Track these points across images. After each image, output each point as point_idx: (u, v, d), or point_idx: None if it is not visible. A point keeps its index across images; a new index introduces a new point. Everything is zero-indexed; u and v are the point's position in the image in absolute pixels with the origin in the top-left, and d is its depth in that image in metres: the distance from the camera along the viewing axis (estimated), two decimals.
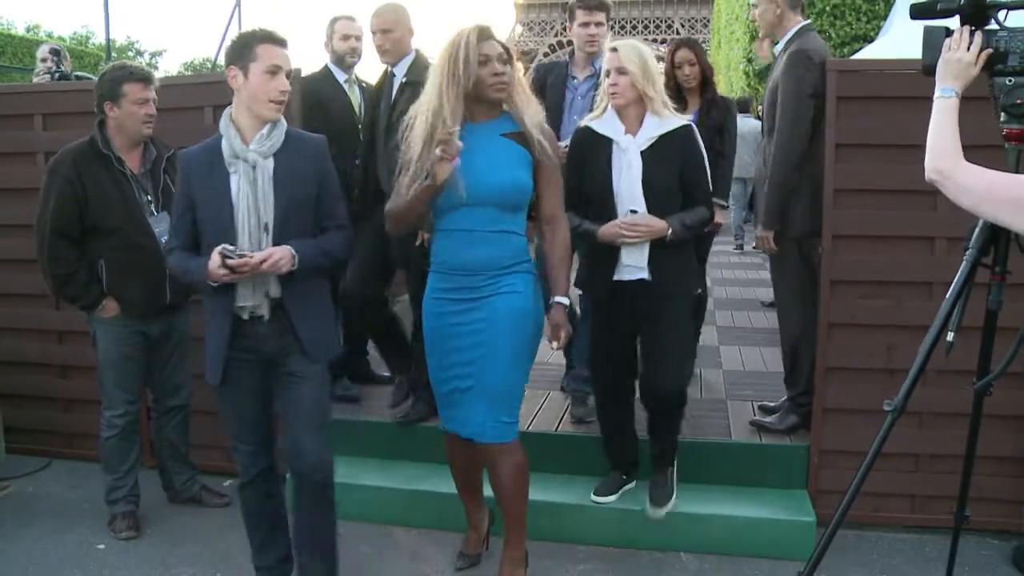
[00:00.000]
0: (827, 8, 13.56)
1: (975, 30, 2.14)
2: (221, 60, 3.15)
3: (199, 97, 3.96)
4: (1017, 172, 2.15)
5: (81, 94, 3.84)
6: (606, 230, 3.12)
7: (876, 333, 3.52)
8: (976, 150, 2.09)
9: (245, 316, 2.71)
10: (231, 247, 2.57)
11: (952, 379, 3.23)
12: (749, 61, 15.24)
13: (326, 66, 4.47)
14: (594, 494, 3.51)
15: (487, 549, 3.29)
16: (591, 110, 3.79)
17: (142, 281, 3.43)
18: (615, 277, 3.20)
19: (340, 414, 3.85)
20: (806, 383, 3.73)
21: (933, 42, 2.19)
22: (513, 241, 2.84)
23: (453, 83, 2.73)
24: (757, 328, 6.14)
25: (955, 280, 2.31)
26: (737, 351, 5.38)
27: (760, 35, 3.86)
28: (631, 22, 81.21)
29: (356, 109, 4.38)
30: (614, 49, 3.11)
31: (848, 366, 3.57)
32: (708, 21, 56.80)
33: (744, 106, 10.78)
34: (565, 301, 2.90)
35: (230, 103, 2.72)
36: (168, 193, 3.45)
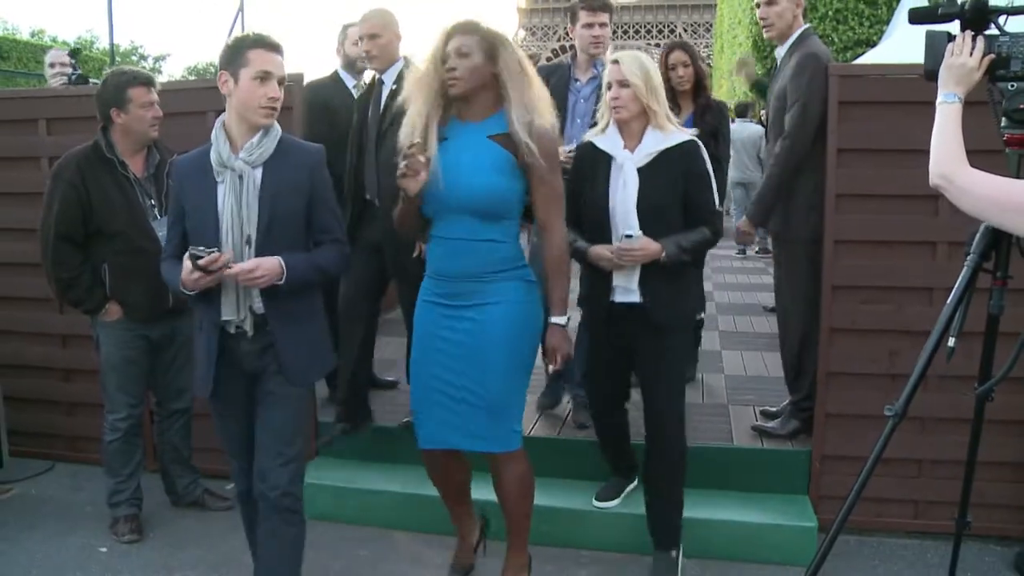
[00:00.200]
0: (830, 13, 13.60)
1: (976, 35, 2.15)
2: None
3: (202, 102, 3.97)
4: (1019, 177, 2.16)
5: (85, 99, 3.86)
6: (594, 252, 3.00)
7: (877, 338, 3.52)
8: (976, 155, 2.09)
9: (231, 330, 2.65)
10: (202, 248, 2.48)
11: (954, 384, 3.23)
12: None
13: (335, 71, 4.51)
14: (596, 499, 3.51)
15: (484, 554, 3.27)
16: (594, 113, 3.81)
17: (145, 285, 3.44)
18: (610, 298, 3.09)
19: None
20: (810, 387, 3.73)
21: (935, 47, 2.20)
22: (496, 251, 2.72)
23: (419, 87, 2.72)
24: (759, 333, 6.14)
25: (956, 285, 2.31)
26: (739, 356, 5.38)
27: (767, 35, 3.84)
28: (633, 26, 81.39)
29: None
30: (616, 61, 2.99)
31: (849, 371, 3.56)
32: (711, 26, 56.87)
33: (744, 111, 10.78)
34: (561, 321, 2.80)
35: None
36: None
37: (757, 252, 10.47)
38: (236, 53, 2.56)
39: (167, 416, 3.78)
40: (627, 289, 3.03)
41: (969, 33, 2.15)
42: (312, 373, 2.82)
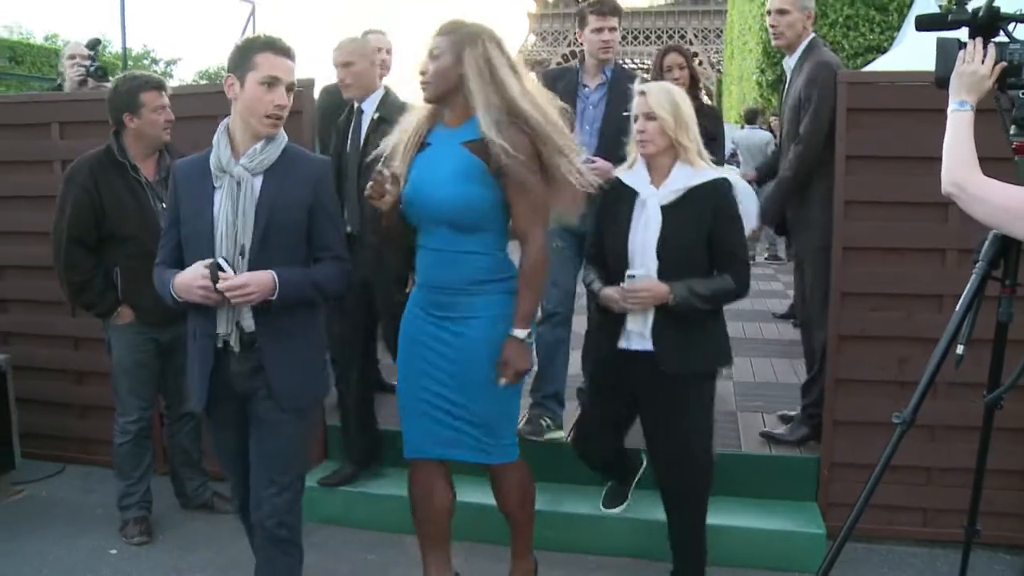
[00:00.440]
0: (840, 19, 13.59)
1: (987, 42, 2.15)
2: None
3: (214, 106, 3.97)
4: None
5: (97, 103, 3.89)
6: (604, 294, 2.84)
7: (887, 345, 3.51)
8: (985, 162, 2.09)
9: (219, 344, 2.52)
10: (226, 261, 2.39)
11: (962, 392, 3.22)
12: (762, 72, 15.25)
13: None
14: (603, 506, 3.50)
15: None
16: (602, 120, 3.77)
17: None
18: (620, 344, 2.89)
19: None
20: (819, 393, 3.73)
21: (947, 54, 2.19)
22: (477, 263, 2.62)
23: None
24: (768, 339, 6.13)
25: (965, 293, 2.31)
26: (748, 362, 5.37)
27: (775, 44, 3.86)
28: (644, 32, 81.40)
29: None
30: (643, 93, 2.82)
31: (858, 378, 3.56)
32: (721, 32, 56.84)
33: (753, 117, 10.77)
34: (520, 335, 2.62)
35: None
36: None
37: (766, 258, 10.45)
38: (244, 56, 2.45)
39: (177, 419, 3.80)
40: (640, 335, 2.84)
41: (979, 40, 2.15)
42: (304, 398, 2.62)
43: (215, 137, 2.52)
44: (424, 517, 2.85)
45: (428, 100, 2.64)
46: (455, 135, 2.62)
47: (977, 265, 2.31)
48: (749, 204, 2.86)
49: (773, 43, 3.89)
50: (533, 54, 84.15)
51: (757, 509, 3.58)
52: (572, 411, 4.20)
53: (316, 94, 4.27)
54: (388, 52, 4.55)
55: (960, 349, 2.28)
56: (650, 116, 2.79)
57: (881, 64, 8.88)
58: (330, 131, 3.99)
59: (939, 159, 2.14)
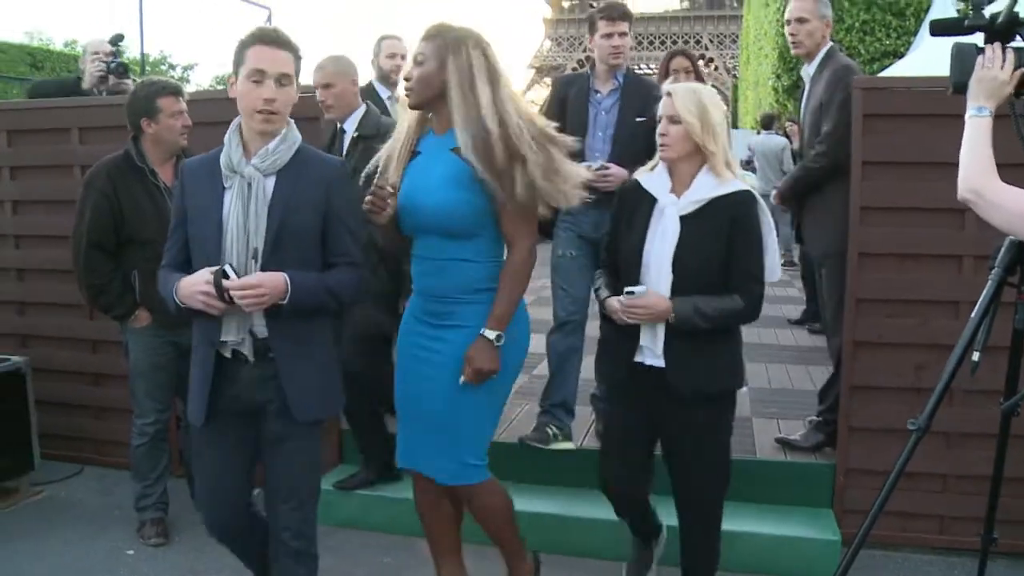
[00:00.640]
0: (856, 24, 13.55)
1: (1005, 48, 2.13)
2: None
3: (231, 111, 3.99)
4: None
5: (116, 108, 3.93)
6: (609, 304, 2.70)
7: (902, 352, 3.50)
8: (1001, 169, 2.08)
9: (227, 353, 2.41)
10: (231, 267, 2.28)
11: (979, 399, 3.21)
12: (778, 77, 15.21)
13: (370, 82, 4.63)
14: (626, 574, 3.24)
15: None
16: (616, 126, 3.74)
17: None
18: (636, 357, 2.73)
19: None
20: (834, 399, 3.72)
21: (964, 60, 2.17)
22: (468, 271, 2.56)
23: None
24: (784, 345, 6.11)
25: (980, 299, 2.30)
26: (763, 368, 5.36)
27: (795, 52, 3.87)
28: (659, 37, 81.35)
29: None
30: (669, 94, 2.66)
31: (874, 385, 3.55)
32: (736, 37, 56.68)
33: (769, 122, 10.74)
34: (490, 335, 2.52)
35: None
36: None
37: (782, 264, 10.42)
38: (238, 52, 2.37)
39: None
40: (652, 352, 2.69)
41: (998, 45, 2.14)
42: (320, 409, 2.52)
43: (226, 136, 2.43)
44: (430, 526, 2.83)
45: (413, 106, 2.59)
46: (443, 142, 2.57)
47: (993, 271, 2.30)
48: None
49: (792, 52, 3.89)
50: (549, 59, 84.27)
51: (772, 515, 3.57)
52: (584, 417, 4.21)
53: None
54: (403, 58, 4.60)
55: (976, 356, 2.27)
56: (674, 119, 2.62)
57: (897, 69, 8.86)
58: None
59: (955, 165, 2.13)
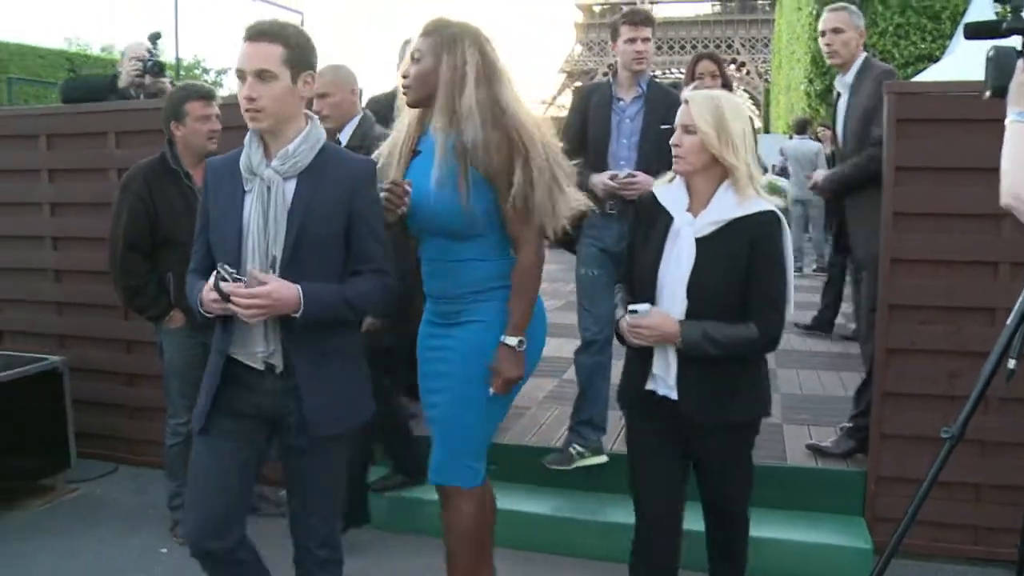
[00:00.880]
0: (890, 28, 13.40)
1: None
2: None
3: None
4: None
5: (151, 113, 4.00)
6: (621, 324, 2.50)
7: (936, 359, 3.46)
8: None
9: (258, 365, 2.31)
10: (231, 268, 2.17)
11: (1015, 407, 3.16)
12: (810, 82, 15.08)
13: (396, 87, 4.59)
14: None
15: None
16: (640, 133, 3.66)
17: None
18: (648, 386, 2.54)
19: None
20: (866, 405, 3.68)
21: (1003, 64, 2.13)
22: (475, 270, 2.51)
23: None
24: (815, 352, 6.05)
25: (1016, 306, 2.27)
26: (795, 374, 5.32)
27: (830, 62, 3.87)
28: (691, 42, 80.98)
29: None
30: (686, 101, 2.44)
31: (907, 392, 3.51)
32: (768, 41, 56.28)
33: (802, 127, 10.65)
34: (511, 342, 2.48)
35: None
36: None
37: (815, 270, 10.31)
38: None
39: None
40: (664, 381, 2.49)
41: None
42: (340, 424, 2.37)
43: (247, 137, 2.30)
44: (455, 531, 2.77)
45: (410, 104, 2.54)
46: (445, 140, 2.48)
47: None
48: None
49: (828, 62, 3.92)
50: (580, 64, 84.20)
51: (802, 522, 3.55)
52: (615, 421, 4.20)
53: (364, 102, 4.31)
54: None
55: (1012, 363, 2.23)
56: (689, 129, 2.40)
57: (932, 73, 8.74)
58: None
59: (990, 170, 2.11)
